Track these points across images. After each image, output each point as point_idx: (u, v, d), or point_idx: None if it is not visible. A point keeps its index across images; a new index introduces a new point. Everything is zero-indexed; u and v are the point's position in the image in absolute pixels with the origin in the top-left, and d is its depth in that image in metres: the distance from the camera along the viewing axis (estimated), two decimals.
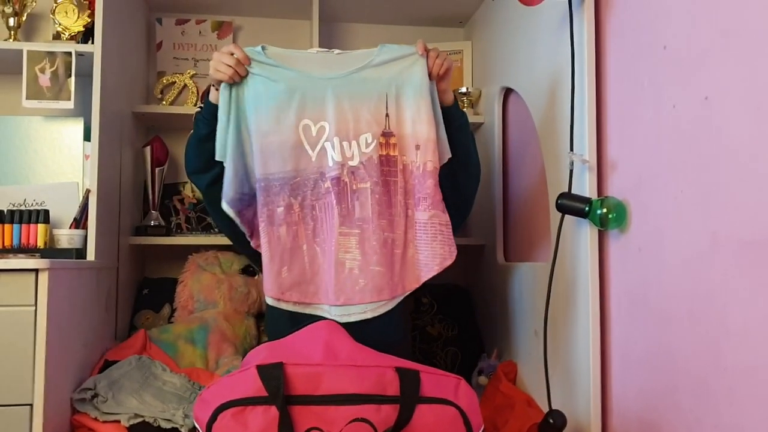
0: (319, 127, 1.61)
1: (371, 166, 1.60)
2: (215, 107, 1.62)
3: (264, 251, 1.60)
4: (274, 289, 1.59)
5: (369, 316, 1.55)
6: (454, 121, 1.70)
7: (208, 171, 1.66)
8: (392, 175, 1.62)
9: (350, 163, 1.59)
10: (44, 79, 1.86)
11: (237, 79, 1.59)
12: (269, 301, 1.60)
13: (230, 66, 1.56)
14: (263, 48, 1.62)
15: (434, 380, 1.25)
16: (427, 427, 1.20)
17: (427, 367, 1.29)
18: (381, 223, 1.59)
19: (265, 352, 1.31)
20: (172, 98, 2.36)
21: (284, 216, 1.59)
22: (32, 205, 1.95)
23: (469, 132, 1.77)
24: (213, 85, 1.65)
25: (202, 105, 1.72)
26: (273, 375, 1.21)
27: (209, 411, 1.21)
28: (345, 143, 1.59)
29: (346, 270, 1.56)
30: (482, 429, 1.26)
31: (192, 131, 1.71)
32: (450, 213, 1.65)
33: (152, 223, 2.28)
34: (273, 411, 1.19)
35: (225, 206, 1.61)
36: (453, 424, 1.22)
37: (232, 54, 1.58)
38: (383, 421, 1.19)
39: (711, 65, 1.25)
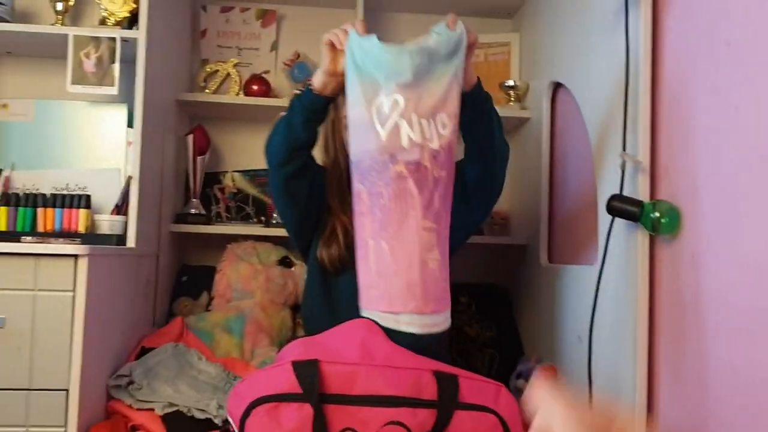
0: (393, 100, 1.34)
1: (447, 153, 1.37)
2: (318, 99, 1.52)
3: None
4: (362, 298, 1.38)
5: (447, 325, 1.35)
6: (486, 102, 1.54)
7: (293, 161, 1.58)
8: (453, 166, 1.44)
9: (430, 145, 1.34)
10: (89, 65, 1.86)
11: (338, 45, 1.43)
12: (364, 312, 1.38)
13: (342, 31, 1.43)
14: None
15: (473, 386, 1.21)
16: None
17: (467, 371, 1.25)
18: (448, 218, 1.40)
19: (301, 348, 1.28)
20: (215, 87, 2.35)
21: (355, 205, 1.40)
22: (74, 189, 1.96)
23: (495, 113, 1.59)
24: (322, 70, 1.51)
25: (302, 89, 1.60)
26: (308, 372, 1.19)
27: (243, 405, 1.19)
28: (423, 121, 1.34)
29: (429, 270, 1.32)
30: None
31: (281, 118, 1.61)
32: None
33: (192, 211, 2.28)
34: (307, 408, 1.16)
35: None
36: None
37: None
38: (419, 425, 1.16)
39: None
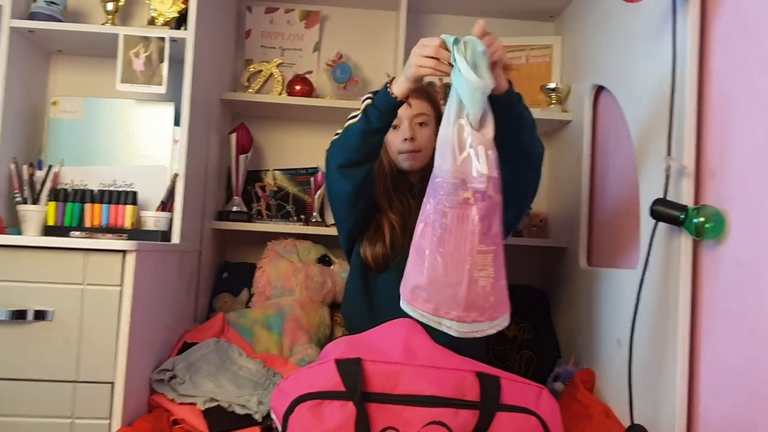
0: (470, 129, 1.37)
1: (499, 176, 1.41)
2: (396, 103, 1.54)
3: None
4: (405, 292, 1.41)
5: (492, 331, 1.37)
6: (517, 104, 1.54)
7: (363, 165, 1.62)
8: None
9: (494, 175, 1.38)
10: (138, 64, 1.90)
11: (439, 73, 1.44)
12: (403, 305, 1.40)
13: (432, 58, 1.42)
14: (455, 41, 1.43)
15: (515, 388, 1.21)
16: None
17: (508, 373, 1.26)
18: (503, 234, 1.44)
19: (344, 346, 1.30)
20: (259, 86, 2.38)
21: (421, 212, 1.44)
22: (121, 186, 2.00)
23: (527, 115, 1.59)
24: (407, 78, 1.51)
25: (374, 94, 1.62)
26: (351, 370, 1.20)
27: (287, 402, 1.21)
28: (490, 152, 1.37)
29: (479, 288, 1.35)
30: None
31: (354, 121, 1.62)
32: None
33: (234, 208, 2.31)
34: (350, 407, 1.18)
35: None
36: None
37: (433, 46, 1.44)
38: (461, 426, 1.16)
39: None
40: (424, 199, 1.39)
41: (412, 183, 1.86)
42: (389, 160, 1.84)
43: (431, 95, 1.88)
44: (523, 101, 1.57)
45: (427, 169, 1.82)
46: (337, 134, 1.69)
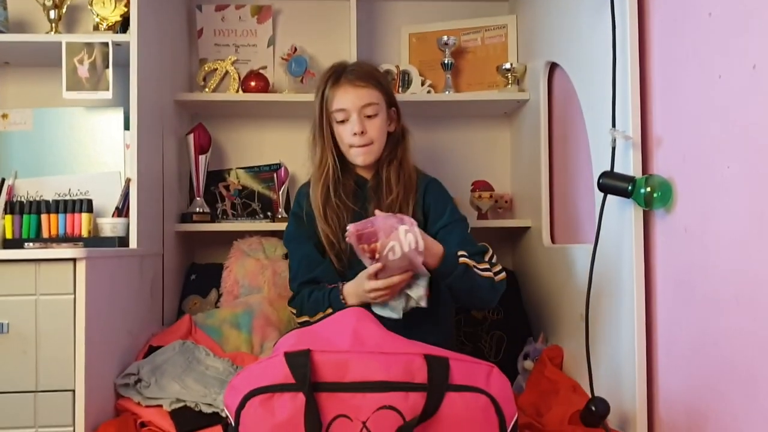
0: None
1: None
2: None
3: None
4: None
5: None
6: (459, 276, 1.64)
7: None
8: None
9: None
10: (83, 70, 1.88)
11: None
12: None
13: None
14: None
15: (465, 368, 1.21)
16: (456, 416, 1.17)
17: (458, 354, 1.25)
18: None
19: (294, 339, 1.29)
20: (215, 85, 2.36)
21: None
22: (77, 194, 1.98)
23: (473, 278, 1.65)
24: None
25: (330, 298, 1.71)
26: (300, 362, 1.19)
27: (238, 398, 1.21)
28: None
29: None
30: (515, 418, 1.22)
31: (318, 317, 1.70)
32: None
33: (197, 209, 2.30)
34: (300, 398, 1.17)
35: None
36: (484, 412, 1.18)
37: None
38: (411, 408, 1.16)
39: (759, 31, 1.16)
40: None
41: (366, 179, 1.85)
42: (335, 159, 1.82)
43: (379, 79, 1.85)
44: (469, 273, 1.63)
45: (381, 162, 1.84)
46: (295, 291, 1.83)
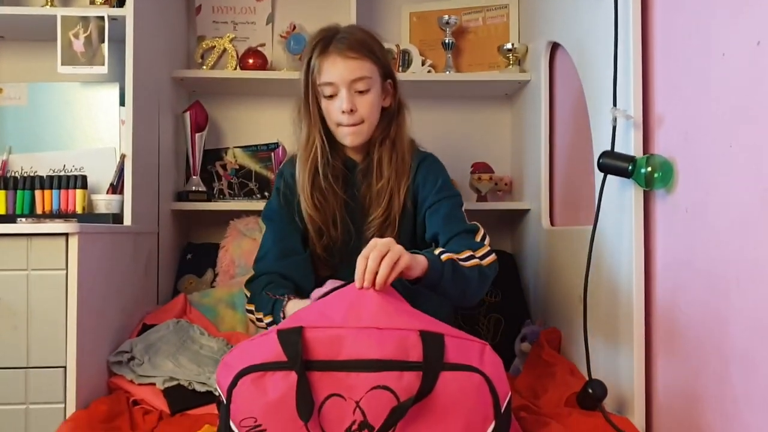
0: None
1: None
2: None
3: None
4: None
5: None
6: (444, 279, 1.42)
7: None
8: None
9: None
10: (78, 45, 1.86)
11: None
12: None
13: None
14: None
15: (459, 345, 1.18)
16: (451, 396, 1.14)
17: (453, 329, 1.22)
18: None
19: (291, 316, 1.28)
20: (213, 62, 2.33)
21: None
22: (71, 170, 1.96)
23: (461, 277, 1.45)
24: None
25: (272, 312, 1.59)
26: (291, 340, 1.17)
27: (231, 375, 1.18)
28: None
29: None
30: (509, 396, 1.20)
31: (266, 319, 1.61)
32: None
33: (193, 188, 2.28)
34: (293, 376, 1.15)
35: None
36: (478, 391, 1.15)
37: None
38: (405, 388, 1.14)
39: (763, 7, 1.14)
40: None
41: (356, 161, 1.72)
42: (323, 138, 1.67)
43: (373, 49, 1.64)
44: (456, 270, 1.43)
45: (373, 141, 1.70)
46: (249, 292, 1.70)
